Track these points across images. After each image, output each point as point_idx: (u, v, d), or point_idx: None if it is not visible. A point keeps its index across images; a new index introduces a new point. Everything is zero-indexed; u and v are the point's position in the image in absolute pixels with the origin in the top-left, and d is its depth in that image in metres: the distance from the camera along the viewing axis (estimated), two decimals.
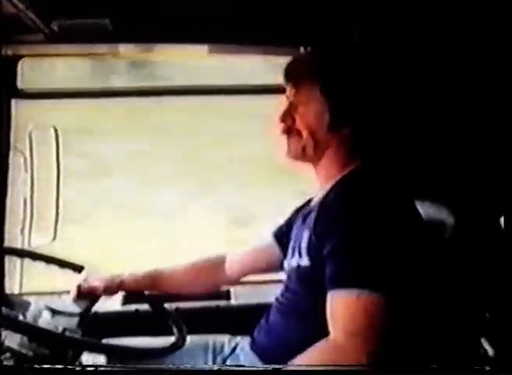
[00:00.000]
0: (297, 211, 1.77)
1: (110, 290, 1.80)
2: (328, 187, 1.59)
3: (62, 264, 1.83)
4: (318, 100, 1.56)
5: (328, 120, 1.56)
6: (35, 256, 1.87)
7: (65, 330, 1.52)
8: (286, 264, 1.68)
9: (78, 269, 1.82)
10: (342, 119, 1.55)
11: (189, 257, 1.91)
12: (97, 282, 1.76)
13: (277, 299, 1.67)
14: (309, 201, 1.74)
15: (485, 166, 1.97)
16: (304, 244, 1.54)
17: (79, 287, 1.74)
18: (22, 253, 2.03)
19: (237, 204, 4.62)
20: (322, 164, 1.61)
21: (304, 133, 1.58)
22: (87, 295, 1.73)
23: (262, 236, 1.87)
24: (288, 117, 1.60)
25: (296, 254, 1.57)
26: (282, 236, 1.78)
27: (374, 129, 1.61)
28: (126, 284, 1.82)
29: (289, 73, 1.62)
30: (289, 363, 1.40)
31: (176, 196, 4.62)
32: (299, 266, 1.55)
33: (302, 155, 1.61)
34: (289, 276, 1.63)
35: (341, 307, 1.40)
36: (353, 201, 1.47)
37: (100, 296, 1.77)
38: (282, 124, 1.61)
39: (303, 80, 1.59)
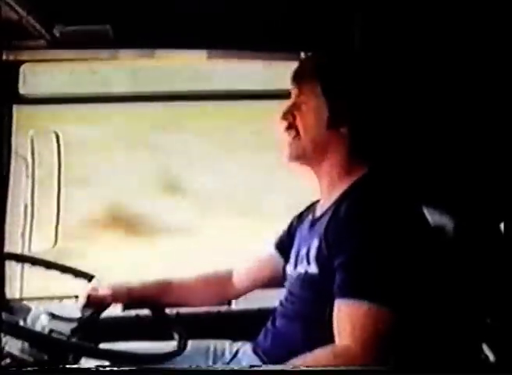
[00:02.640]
0: (298, 217, 1.77)
1: (119, 299, 1.80)
2: (336, 194, 1.59)
3: (68, 271, 1.82)
4: (319, 99, 1.59)
5: (327, 118, 1.58)
6: (37, 262, 1.86)
7: (64, 335, 1.52)
8: (289, 270, 1.68)
9: (86, 276, 1.81)
10: (340, 117, 1.57)
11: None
12: (106, 291, 1.75)
13: (281, 303, 1.67)
14: (310, 206, 1.74)
15: (485, 171, 1.97)
16: (313, 252, 1.54)
17: (88, 296, 1.72)
18: (22, 259, 2.03)
19: None
20: (324, 168, 1.62)
21: (303, 132, 1.60)
22: (96, 304, 1.72)
23: (265, 248, 1.87)
24: (289, 115, 1.63)
25: (304, 261, 1.57)
26: (284, 244, 1.78)
27: (373, 130, 1.61)
28: (134, 293, 1.81)
29: (295, 74, 1.66)
30: (294, 360, 1.41)
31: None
32: (306, 273, 1.55)
33: (302, 156, 1.62)
34: (293, 282, 1.63)
35: (348, 317, 1.41)
36: (367, 214, 1.48)
37: (109, 305, 1.76)
38: (284, 122, 1.63)
39: (305, 80, 1.62)
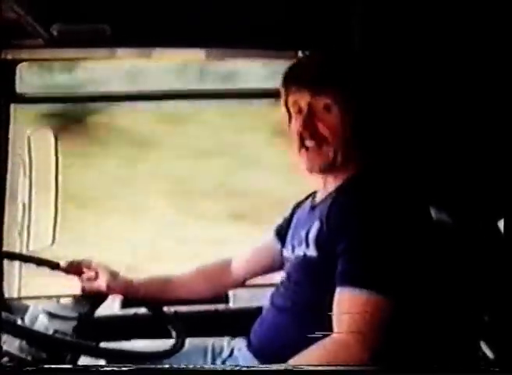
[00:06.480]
0: (298, 205, 1.78)
1: (115, 290, 1.79)
2: (338, 181, 1.59)
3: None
4: (344, 105, 1.54)
5: (354, 126, 1.54)
6: (34, 261, 1.86)
7: (63, 333, 1.52)
8: (286, 253, 1.68)
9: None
10: (366, 123, 1.55)
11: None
12: (102, 279, 1.75)
13: (272, 295, 1.67)
14: (310, 195, 1.74)
15: (484, 169, 1.97)
16: (312, 234, 1.53)
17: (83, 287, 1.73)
18: (20, 257, 2.03)
19: None
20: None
21: (333, 141, 1.54)
22: (91, 296, 1.73)
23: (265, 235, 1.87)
24: (309, 124, 1.55)
25: (303, 243, 1.56)
26: (283, 231, 1.79)
27: (380, 126, 1.61)
28: (130, 288, 1.81)
29: (302, 78, 1.57)
30: (293, 360, 1.39)
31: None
32: (305, 256, 1.55)
33: (330, 167, 1.57)
34: (291, 266, 1.63)
35: (349, 305, 1.40)
36: (371, 202, 1.47)
37: (104, 299, 1.76)
38: (305, 132, 1.55)
39: (322, 86, 1.54)
